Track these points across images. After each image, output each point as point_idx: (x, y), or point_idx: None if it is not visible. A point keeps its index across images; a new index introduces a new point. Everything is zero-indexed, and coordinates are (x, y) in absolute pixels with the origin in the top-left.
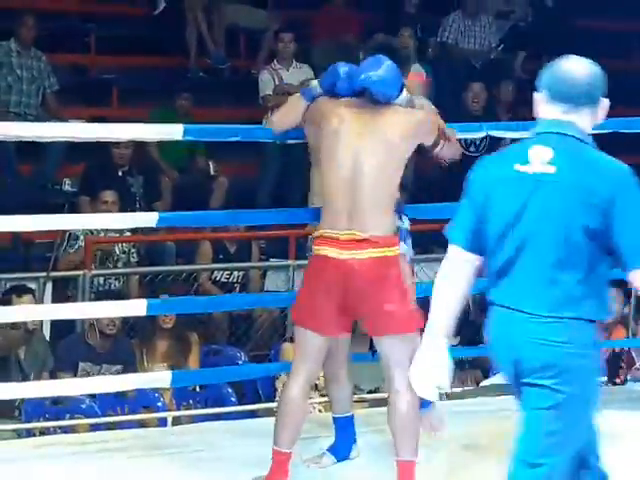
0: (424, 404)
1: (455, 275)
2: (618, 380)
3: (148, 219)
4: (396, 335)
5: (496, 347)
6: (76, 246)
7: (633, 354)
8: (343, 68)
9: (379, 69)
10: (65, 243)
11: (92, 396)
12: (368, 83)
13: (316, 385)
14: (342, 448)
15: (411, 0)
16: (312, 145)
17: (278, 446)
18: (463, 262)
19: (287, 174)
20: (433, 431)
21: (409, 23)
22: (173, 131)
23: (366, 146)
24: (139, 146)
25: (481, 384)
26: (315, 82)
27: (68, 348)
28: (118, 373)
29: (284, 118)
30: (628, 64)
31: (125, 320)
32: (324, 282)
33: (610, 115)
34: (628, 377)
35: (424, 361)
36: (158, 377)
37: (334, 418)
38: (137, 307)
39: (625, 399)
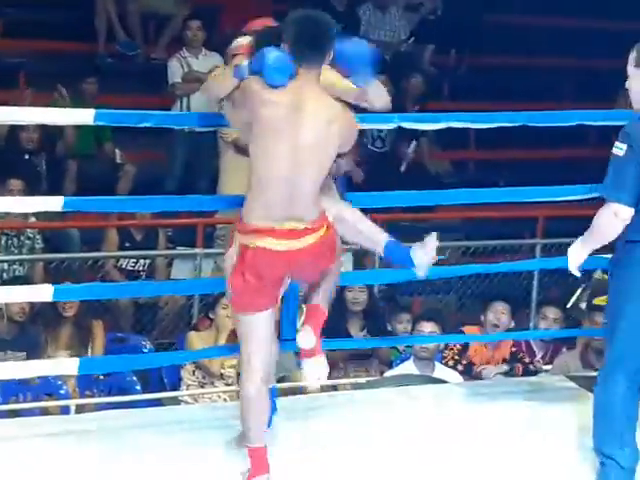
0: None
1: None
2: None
3: (54, 203)
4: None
5: None
6: None
7: (533, 346)
8: (272, 54)
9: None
10: None
11: None
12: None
13: (221, 374)
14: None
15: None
16: (241, 129)
17: (252, 443)
18: (624, 221)
19: (194, 162)
20: None
21: (331, 15)
22: (84, 116)
23: (303, 136)
24: (45, 130)
25: (385, 374)
26: (245, 62)
27: None
28: (23, 361)
29: (223, 85)
30: (534, 59)
31: (31, 307)
32: (263, 272)
33: (517, 109)
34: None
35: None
36: (65, 364)
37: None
38: (43, 292)
39: (529, 390)
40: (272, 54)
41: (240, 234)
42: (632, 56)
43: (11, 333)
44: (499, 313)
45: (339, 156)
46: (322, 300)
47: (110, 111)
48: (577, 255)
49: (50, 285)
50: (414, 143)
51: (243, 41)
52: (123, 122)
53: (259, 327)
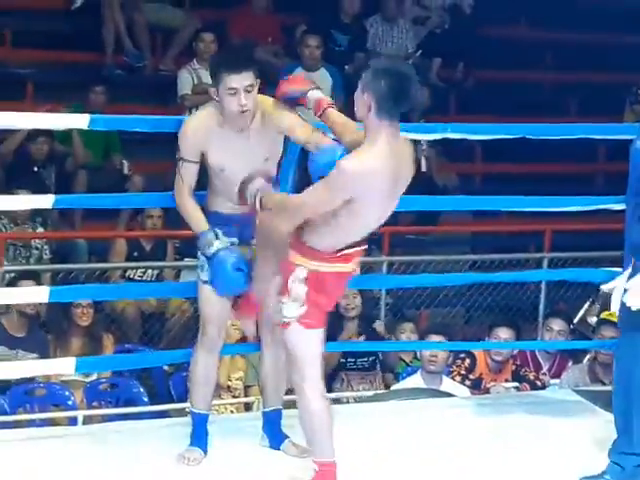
0: None
1: None
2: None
3: (44, 201)
4: None
5: None
6: None
7: (539, 358)
8: None
9: None
10: None
11: (2, 392)
12: None
13: (228, 386)
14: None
15: (347, 10)
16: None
17: (320, 457)
18: None
19: (201, 176)
20: None
21: (338, 28)
22: (79, 120)
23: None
24: (55, 142)
25: (392, 387)
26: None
27: None
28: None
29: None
30: (541, 74)
31: (38, 315)
32: (335, 292)
33: (522, 123)
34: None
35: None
36: (63, 363)
37: (196, 414)
38: (40, 294)
39: (536, 404)
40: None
41: (311, 259)
42: None
43: (23, 329)
44: (502, 340)
45: None
46: None
47: (106, 116)
48: None
49: (46, 287)
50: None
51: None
52: (119, 127)
53: (319, 343)
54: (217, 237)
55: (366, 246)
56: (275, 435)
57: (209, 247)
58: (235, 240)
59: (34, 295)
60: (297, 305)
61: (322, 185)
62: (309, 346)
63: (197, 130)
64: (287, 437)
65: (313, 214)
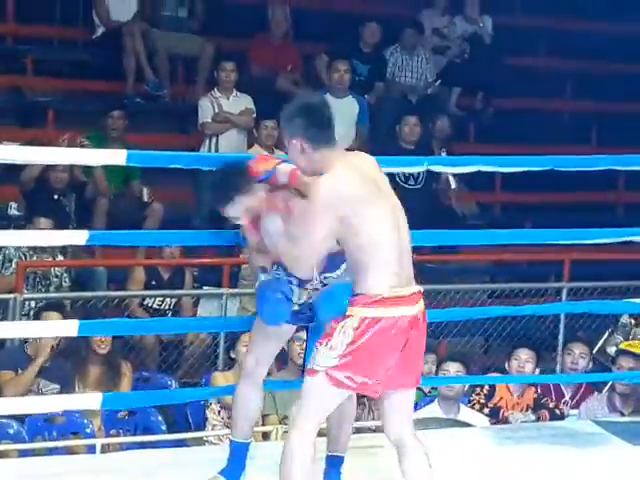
0: None
1: None
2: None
3: (79, 237)
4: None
5: None
6: (10, 269)
7: (562, 387)
8: None
9: None
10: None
11: (21, 421)
12: None
13: None
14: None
15: (367, 39)
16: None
17: None
18: None
19: None
20: None
21: (358, 57)
22: (117, 157)
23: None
24: (75, 170)
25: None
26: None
27: (8, 355)
28: (56, 393)
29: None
30: (560, 103)
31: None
32: (396, 341)
33: (542, 153)
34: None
35: None
36: (88, 399)
37: (232, 442)
38: (69, 328)
39: (555, 435)
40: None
41: (372, 306)
42: None
43: (47, 359)
44: (523, 361)
45: None
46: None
47: (143, 152)
48: None
49: (76, 320)
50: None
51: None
52: (154, 164)
53: (337, 403)
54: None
55: (419, 288)
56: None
57: (256, 280)
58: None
59: (63, 329)
60: (333, 354)
61: (308, 219)
62: (324, 402)
63: None
64: None
65: (314, 249)
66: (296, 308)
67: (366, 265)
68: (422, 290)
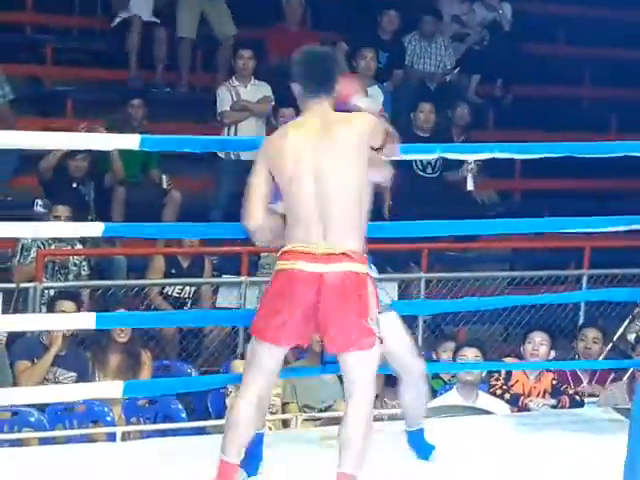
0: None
1: None
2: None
3: (94, 229)
4: (361, 352)
5: None
6: (29, 258)
7: (578, 372)
8: None
9: None
10: (18, 255)
11: (41, 409)
12: None
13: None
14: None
15: (385, 27)
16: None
17: (226, 456)
18: None
19: (241, 190)
20: None
21: (375, 45)
22: (130, 141)
23: (328, 166)
24: (94, 159)
25: (428, 405)
26: None
27: (25, 345)
28: (73, 381)
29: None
30: (579, 89)
31: (75, 333)
32: (292, 296)
33: (562, 140)
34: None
35: None
36: (109, 388)
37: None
38: (86, 320)
39: (575, 422)
40: None
41: (280, 258)
42: None
43: (62, 347)
44: (537, 344)
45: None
46: (350, 463)
47: (156, 137)
48: None
49: (92, 313)
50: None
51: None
52: (169, 148)
53: (264, 356)
54: None
55: (338, 249)
56: (421, 447)
57: None
58: None
59: (80, 321)
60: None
61: None
62: (253, 353)
63: None
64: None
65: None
66: None
67: (288, 221)
68: (350, 254)
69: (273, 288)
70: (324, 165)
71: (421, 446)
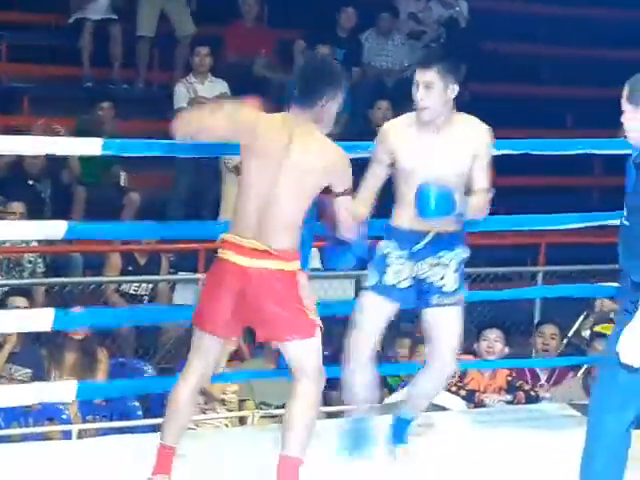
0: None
1: None
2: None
3: (56, 230)
4: (301, 340)
5: None
6: None
7: (537, 370)
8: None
9: None
10: None
11: None
12: None
13: (223, 400)
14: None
15: (343, 24)
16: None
17: (165, 441)
18: None
19: (199, 187)
20: None
21: (332, 42)
22: (92, 147)
23: (284, 174)
24: (50, 156)
25: (385, 401)
26: None
27: None
28: (29, 377)
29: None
30: (537, 88)
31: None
32: (222, 285)
33: (518, 137)
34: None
35: None
36: (62, 390)
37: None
38: (43, 320)
39: (531, 418)
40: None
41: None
42: (624, 91)
43: (17, 344)
44: (492, 341)
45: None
46: (293, 447)
47: (119, 140)
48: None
49: (51, 309)
50: None
51: None
52: (132, 152)
53: (202, 345)
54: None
55: (261, 247)
56: (400, 434)
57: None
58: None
59: (37, 322)
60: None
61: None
62: (194, 341)
63: (388, 130)
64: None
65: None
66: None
67: (236, 205)
68: (275, 253)
69: (210, 276)
70: (281, 180)
71: (401, 434)
